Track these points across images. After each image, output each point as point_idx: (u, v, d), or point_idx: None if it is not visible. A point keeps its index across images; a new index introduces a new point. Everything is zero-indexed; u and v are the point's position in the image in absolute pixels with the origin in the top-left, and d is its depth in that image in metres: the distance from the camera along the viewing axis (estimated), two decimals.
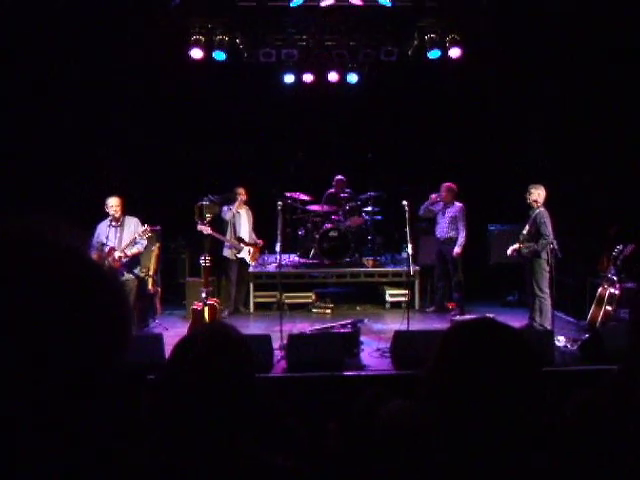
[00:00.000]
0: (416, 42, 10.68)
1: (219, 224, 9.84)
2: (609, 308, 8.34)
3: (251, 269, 10.36)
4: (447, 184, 9.76)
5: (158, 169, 11.01)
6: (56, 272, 0.85)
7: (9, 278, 0.81)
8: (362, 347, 7.55)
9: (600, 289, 8.46)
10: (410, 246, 8.64)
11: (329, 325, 8.25)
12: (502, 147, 10.97)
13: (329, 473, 2.82)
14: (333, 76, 11.37)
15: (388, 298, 10.56)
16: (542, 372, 1.48)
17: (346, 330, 7.75)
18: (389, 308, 10.48)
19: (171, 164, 11.15)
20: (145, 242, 8.49)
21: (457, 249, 9.63)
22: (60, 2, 8.58)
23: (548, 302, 8.19)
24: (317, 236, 10.68)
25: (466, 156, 11.23)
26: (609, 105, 9.19)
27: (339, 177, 11.39)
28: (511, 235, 8.91)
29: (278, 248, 8.74)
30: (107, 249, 8.12)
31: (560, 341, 7.74)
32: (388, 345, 7.34)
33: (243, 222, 10.04)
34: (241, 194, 9.87)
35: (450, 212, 9.78)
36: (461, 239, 9.65)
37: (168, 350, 6.41)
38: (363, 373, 6.76)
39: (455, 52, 10.24)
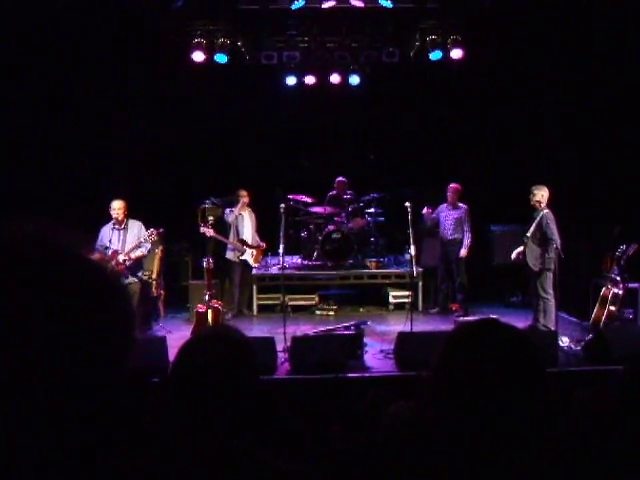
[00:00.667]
0: (418, 43, 10.69)
1: (222, 226, 9.85)
2: (613, 308, 8.32)
3: (254, 271, 10.36)
4: (453, 185, 9.76)
5: (161, 172, 11.01)
6: (58, 275, 0.85)
7: (10, 281, 0.82)
8: (366, 349, 7.55)
9: (603, 289, 8.45)
10: (413, 247, 8.64)
11: (332, 327, 8.26)
12: (504, 148, 10.97)
13: (333, 475, 2.82)
14: (335, 78, 11.38)
15: (391, 300, 10.56)
16: (546, 373, 1.48)
17: (349, 332, 7.76)
18: (392, 310, 10.48)
19: (174, 167, 11.16)
20: (149, 245, 8.50)
21: (463, 251, 9.64)
22: (62, 5, 8.59)
23: (552, 303, 8.17)
24: (320, 238, 10.68)
25: (468, 157, 11.23)
26: (611, 105, 9.18)
27: (340, 179, 11.39)
28: (514, 236, 8.91)
29: (281, 250, 8.74)
30: (110, 252, 8.13)
31: (564, 342, 7.73)
32: (392, 347, 7.34)
33: (246, 224, 10.05)
34: (244, 196, 9.87)
35: (455, 214, 9.78)
36: (467, 241, 9.66)
37: (172, 353, 6.43)
38: (367, 375, 6.76)
39: (457, 53, 10.24)
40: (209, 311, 7.90)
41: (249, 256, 9.96)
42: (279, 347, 7.15)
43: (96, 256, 7.52)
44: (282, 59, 11.08)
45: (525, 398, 1.40)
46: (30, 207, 8.38)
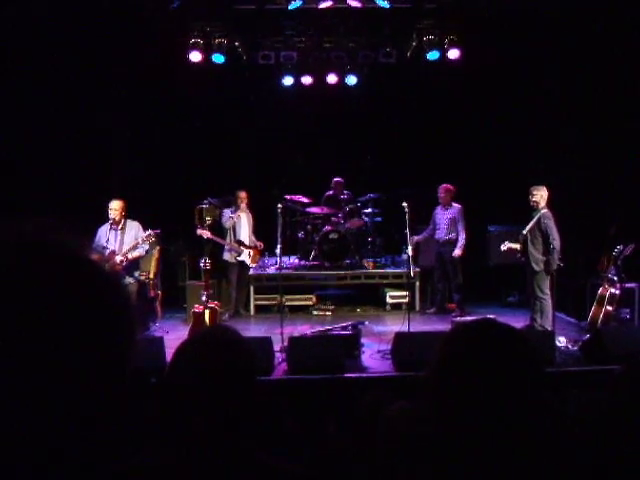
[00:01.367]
0: (415, 43, 10.69)
1: (219, 227, 9.85)
2: (610, 308, 8.33)
3: (251, 272, 10.36)
4: (444, 185, 9.77)
5: (158, 172, 11.00)
6: (59, 275, 0.85)
7: (10, 282, 0.81)
8: (363, 349, 7.55)
9: (600, 289, 8.46)
10: (410, 248, 8.65)
11: (330, 327, 8.26)
12: (501, 148, 10.97)
13: (330, 476, 2.82)
14: (332, 78, 11.37)
15: (389, 300, 10.57)
16: (544, 372, 1.48)
17: (347, 332, 7.76)
18: (390, 310, 10.48)
19: (171, 167, 11.15)
20: (147, 247, 8.48)
21: (457, 251, 9.65)
22: (60, 5, 8.58)
23: (549, 303, 8.18)
24: (317, 238, 10.68)
25: (465, 157, 11.23)
26: (609, 105, 9.19)
27: (337, 179, 11.39)
28: (511, 236, 8.90)
29: (278, 250, 8.75)
30: (108, 252, 8.12)
31: (561, 342, 7.74)
32: (389, 347, 7.34)
33: (243, 225, 10.05)
34: (243, 198, 9.88)
35: (449, 214, 9.80)
36: (461, 240, 9.67)
37: (169, 353, 6.42)
38: (364, 375, 6.76)
39: (454, 53, 10.25)
40: (206, 311, 7.89)
41: (246, 256, 9.96)
42: (276, 347, 7.14)
43: (94, 256, 7.50)
44: (279, 59, 11.09)
45: (522, 397, 1.40)
46: (30, 208, 8.39)
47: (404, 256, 9.87)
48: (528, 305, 8.77)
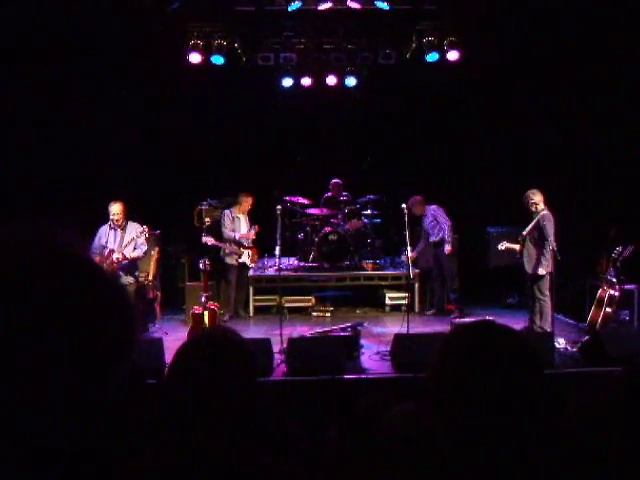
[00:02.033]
0: (414, 45, 10.68)
1: (218, 227, 9.87)
2: (609, 310, 8.34)
3: (251, 273, 10.36)
4: (412, 199, 9.69)
5: (157, 173, 11.01)
6: (59, 276, 0.85)
7: (11, 282, 0.81)
8: (362, 350, 7.55)
9: (600, 291, 8.46)
10: (409, 249, 8.64)
11: (329, 328, 8.26)
12: (501, 149, 10.98)
13: (330, 477, 2.81)
14: (331, 79, 11.36)
15: (388, 301, 10.57)
16: (543, 374, 1.48)
17: (346, 333, 7.75)
18: (389, 311, 10.49)
19: (170, 168, 11.15)
20: (145, 247, 8.47)
21: (447, 247, 9.70)
22: (60, 6, 8.59)
23: (548, 305, 8.18)
24: (316, 240, 10.68)
25: (465, 159, 11.24)
26: (609, 106, 9.20)
27: (335, 180, 11.40)
28: (510, 237, 8.91)
29: (277, 252, 8.75)
30: (107, 252, 8.12)
31: (560, 343, 7.74)
32: (388, 348, 7.33)
33: (242, 226, 10.06)
34: (249, 203, 9.92)
35: (428, 219, 9.93)
36: (446, 236, 9.73)
37: (168, 355, 6.41)
38: (363, 376, 6.76)
39: (453, 55, 10.24)
40: (205, 313, 7.89)
41: (246, 257, 9.97)
42: (275, 349, 7.14)
43: (94, 257, 7.50)
44: (278, 60, 11.08)
45: (522, 399, 1.40)
46: (30, 208, 8.39)
47: (403, 257, 9.88)
48: (527, 307, 8.77)
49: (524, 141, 10.79)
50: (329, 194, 11.46)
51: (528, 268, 8.24)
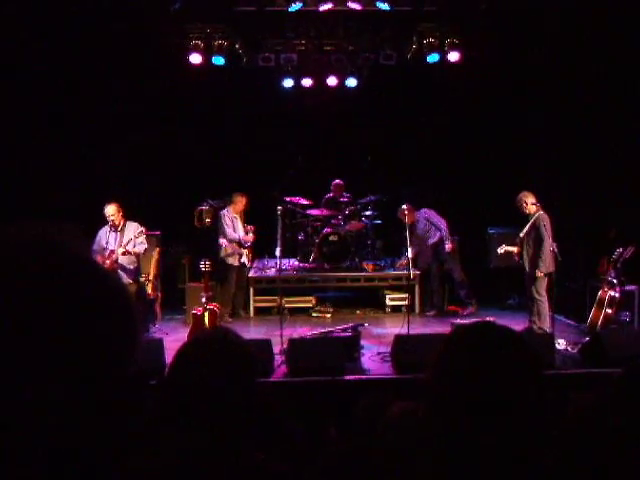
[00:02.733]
0: (415, 46, 10.68)
1: (216, 228, 9.89)
2: (609, 311, 8.34)
3: (251, 273, 10.37)
4: (401, 209, 9.53)
5: (157, 174, 11.00)
6: (60, 276, 0.85)
7: (14, 284, 0.81)
8: (362, 351, 7.55)
9: (600, 292, 8.46)
10: (410, 250, 8.64)
11: (329, 329, 8.26)
12: (502, 150, 10.97)
13: (330, 478, 2.81)
14: (332, 80, 11.36)
15: (388, 302, 10.56)
16: (544, 375, 1.48)
17: (346, 334, 7.75)
18: (389, 312, 10.47)
19: (170, 169, 11.15)
20: (145, 245, 8.48)
21: (448, 245, 9.72)
22: (60, 6, 8.59)
23: (545, 305, 8.18)
24: (317, 240, 10.68)
25: (466, 159, 11.24)
26: (608, 108, 9.20)
27: (337, 181, 11.40)
28: (511, 238, 8.91)
29: (278, 253, 8.75)
30: (107, 253, 8.12)
31: (560, 344, 7.74)
32: (388, 349, 7.33)
33: (241, 226, 10.07)
34: (241, 202, 9.91)
35: (420, 225, 9.96)
36: (444, 233, 9.77)
37: (168, 355, 6.41)
38: (364, 377, 6.76)
39: (454, 56, 10.24)
40: (206, 313, 7.89)
41: (245, 257, 9.99)
42: (276, 349, 7.14)
43: (95, 258, 7.50)
44: (279, 61, 11.08)
45: (522, 400, 1.40)
46: (30, 209, 8.40)
47: (404, 258, 9.87)
48: (527, 308, 8.77)
49: (524, 142, 10.79)
50: (330, 195, 11.46)
51: (529, 269, 8.25)
